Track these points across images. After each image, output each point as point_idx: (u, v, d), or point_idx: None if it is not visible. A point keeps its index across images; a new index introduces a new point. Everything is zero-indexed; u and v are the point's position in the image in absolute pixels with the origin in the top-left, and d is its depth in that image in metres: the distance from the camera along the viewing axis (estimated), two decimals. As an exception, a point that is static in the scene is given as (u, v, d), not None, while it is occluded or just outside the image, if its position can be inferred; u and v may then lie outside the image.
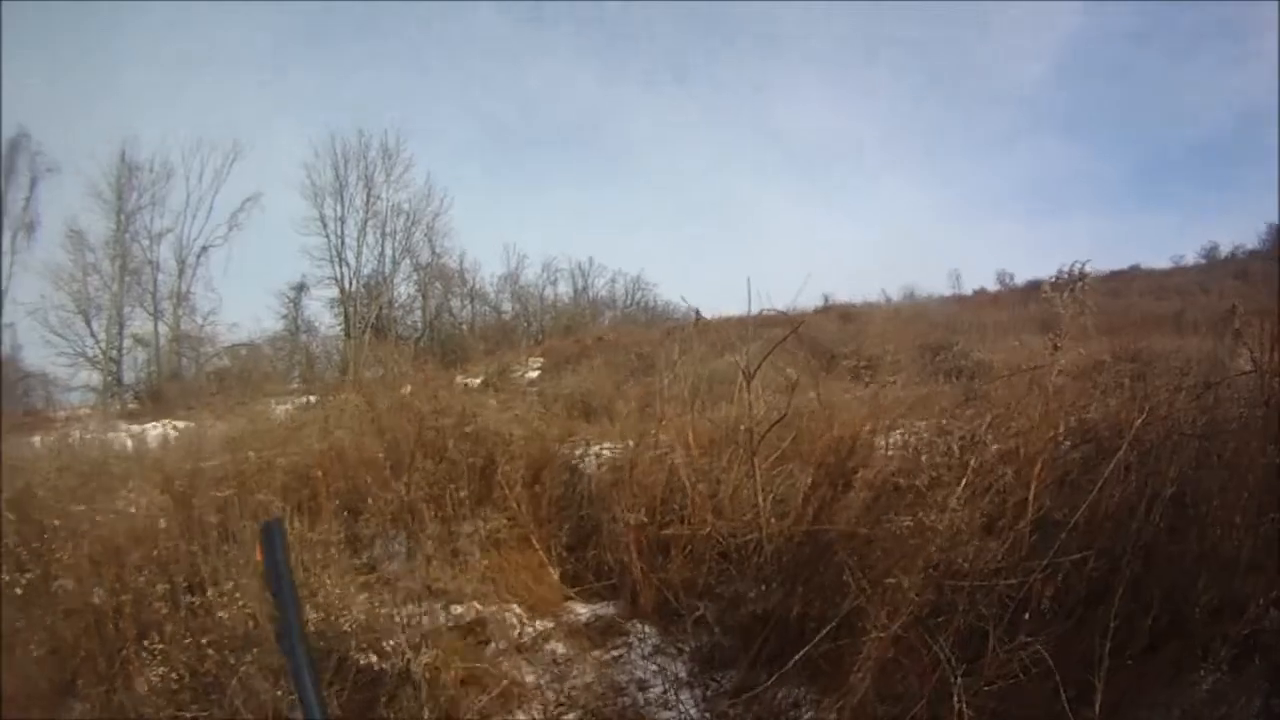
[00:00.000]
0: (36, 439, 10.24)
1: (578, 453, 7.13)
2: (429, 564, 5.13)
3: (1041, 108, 53.34)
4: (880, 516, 4.54)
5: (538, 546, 5.64)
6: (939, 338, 21.43)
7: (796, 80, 55.84)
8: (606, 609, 5.30)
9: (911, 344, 20.18)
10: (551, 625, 5.13)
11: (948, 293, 37.71)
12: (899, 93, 56.77)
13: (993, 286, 38.47)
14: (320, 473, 6.13)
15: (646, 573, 5.20)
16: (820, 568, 4.76)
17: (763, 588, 5.00)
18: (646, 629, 5.00)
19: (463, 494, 5.74)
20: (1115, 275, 31.82)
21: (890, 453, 5.70)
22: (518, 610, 5.17)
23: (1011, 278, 38.58)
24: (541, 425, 7.53)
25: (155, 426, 14.24)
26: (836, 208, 55.67)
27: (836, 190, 57.25)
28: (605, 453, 7.56)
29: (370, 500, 5.76)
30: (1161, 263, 35.20)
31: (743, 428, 5.39)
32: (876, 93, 55.60)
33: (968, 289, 38.87)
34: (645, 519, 5.50)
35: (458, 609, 5.04)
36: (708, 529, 5.26)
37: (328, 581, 4.54)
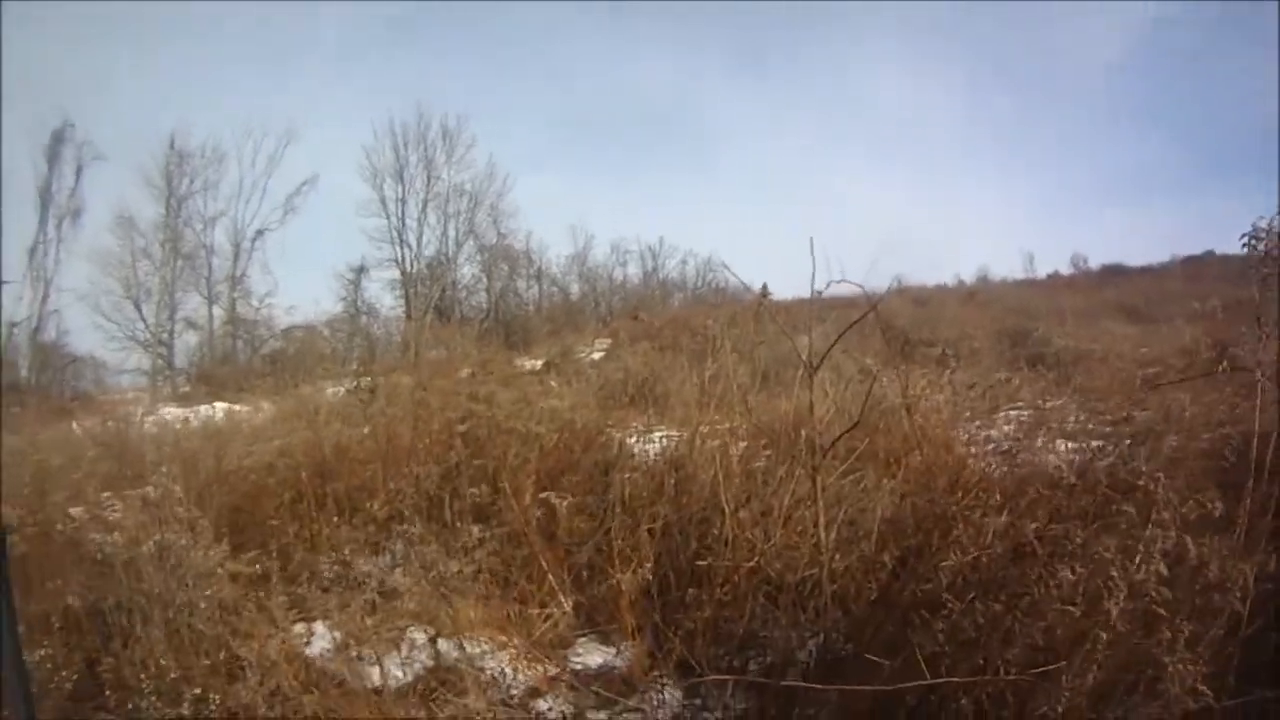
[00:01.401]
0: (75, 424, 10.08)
1: (615, 451, 6.14)
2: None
3: (1115, 94, 51.03)
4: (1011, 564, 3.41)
5: (547, 569, 4.60)
6: (1016, 323, 20.39)
7: (873, 66, 54.26)
8: (623, 655, 4.24)
9: (989, 330, 18.88)
10: (551, 673, 4.10)
11: (1020, 275, 36.54)
12: (974, 79, 55.47)
13: (1066, 270, 37.38)
14: (304, 475, 5.29)
15: (670, 612, 4.13)
16: (906, 619, 3.66)
17: (820, 639, 3.94)
18: (666, 691, 3.92)
19: (457, 503, 4.81)
20: (1191, 260, 31.01)
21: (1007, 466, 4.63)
22: (506, 655, 4.15)
23: (1085, 261, 37.59)
24: (572, 416, 6.51)
25: (204, 409, 13.87)
26: (910, 192, 53.48)
27: (911, 175, 55.59)
28: (650, 448, 6.65)
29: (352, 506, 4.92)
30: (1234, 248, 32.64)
31: (803, 433, 4.30)
32: (952, 79, 54.08)
33: (1041, 272, 37.54)
34: (679, 540, 4.48)
35: (420, 647, 4.10)
36: (754, 560, 4.17)
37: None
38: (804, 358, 4.24)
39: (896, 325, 17.99)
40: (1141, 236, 59.04)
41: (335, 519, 4.96)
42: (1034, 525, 3.46)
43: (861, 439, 4.82)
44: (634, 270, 38.75)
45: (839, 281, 4.21)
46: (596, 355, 23.18)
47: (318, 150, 47.04)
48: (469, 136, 32.88)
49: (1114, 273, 34.45)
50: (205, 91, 45.20)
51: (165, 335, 28.87)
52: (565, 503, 4.89)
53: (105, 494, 6.03)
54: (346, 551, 4.85)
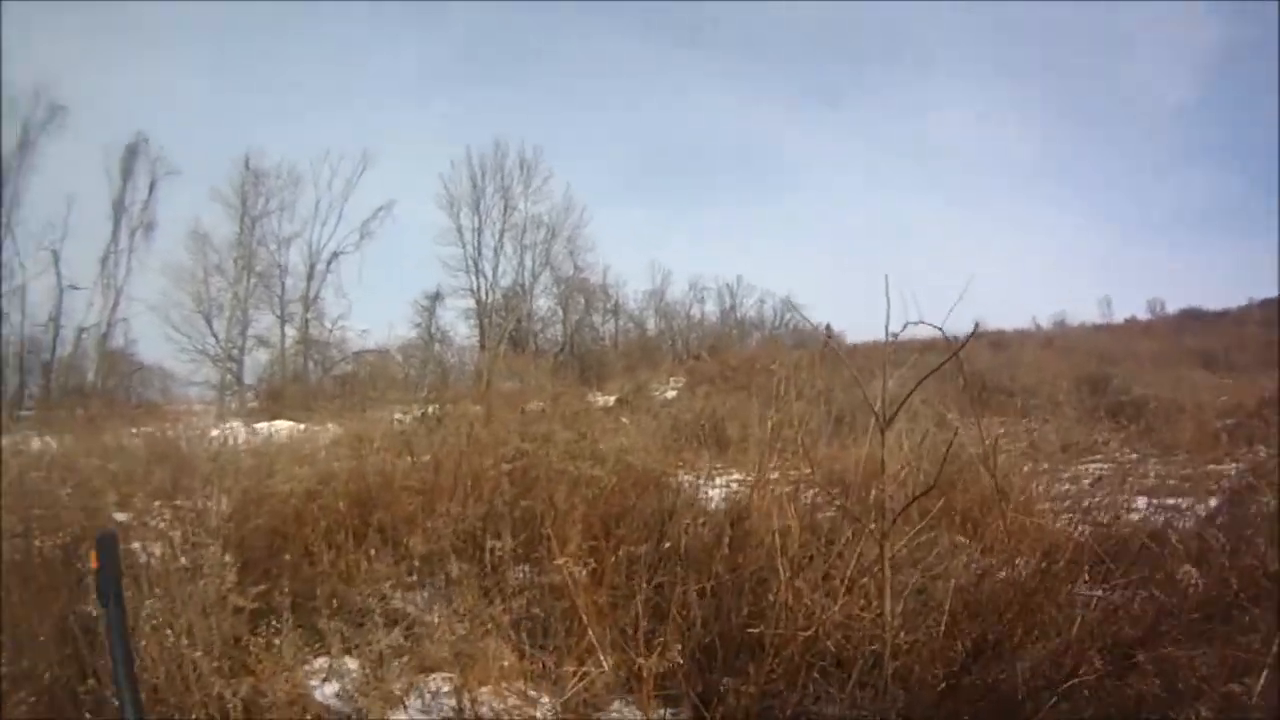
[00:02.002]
0: (134, 430, 10.19)
1: (674, 498, 5.81)
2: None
3: (1188, 134, 51.79)
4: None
5: (588, 623, 4.24)
6: (1094, 370, 19.63)
7: (948, 107, 55.23)
8: (665, 724, 3.85)
9: (1068, 377, 18.01)
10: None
11: (1098, 319, 36.44)
12: (1048, 121, 56.49)
13: (1143, 314, 37.50)
14: (343, 504, 5.10)
15: (715, 682, 3.75)
16: (976, 712, 3.23)
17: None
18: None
19: (498, 546, 4.53)
20: (1268, 303, 29.67)
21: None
22: (536, 714, 3.81)
23: (1163, 305, 37.48)
24: (632, 459, 6.19)
25: (268, 427, 13.97)
26: (986, 232, 52.96)
27: (986, 215, 55.34)
28: (714, 493, 6.34)
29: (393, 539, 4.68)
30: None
31: (873, 493, 3.91)
32: (1028, 118, 53.52)
33: (1118, 316, 37.64)
34: (732, 602, 4.12)
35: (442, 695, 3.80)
36: (811, 630, 3.78)
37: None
38: (875, 408, 3.85)
39: (974, 371, 17.28)
40: (1217, 278, 57.02)
41: (372, 551, 4.72)
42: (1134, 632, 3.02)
43: (936, 496, 4.41)
44: (711, 308, 38.58)
45: (916, 323, 3.83)
46: (670, 394, 22.90)
47: (394, 177, 48.16)
48: (546, 168, 33.81)
49: (1191, 317, 34.06)
50: (282, 114, 47.37)
51: (235, 351, 29.70)
52: (614, 556, 4.55)
53: (156, 503, 6.01)
54: (384, 587, 4.63)
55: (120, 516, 5.93)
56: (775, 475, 5.37)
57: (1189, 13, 43.76)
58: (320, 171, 31.18)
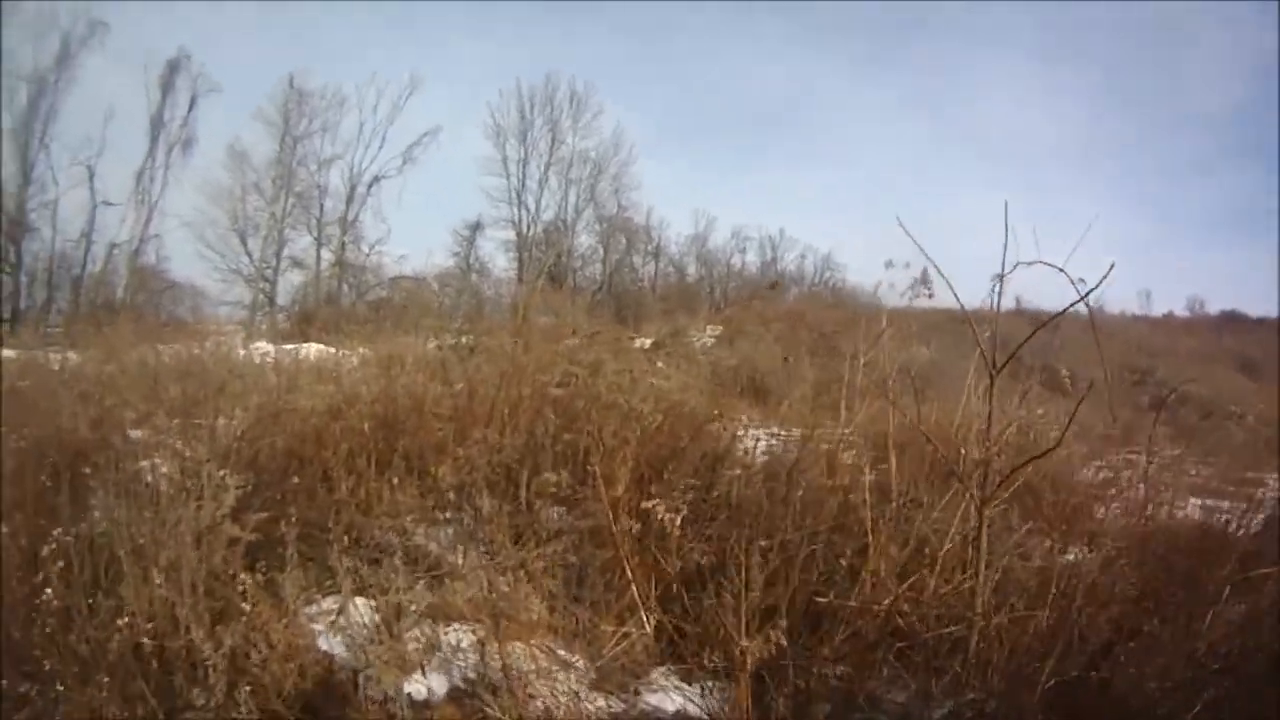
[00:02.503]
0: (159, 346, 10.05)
1: (725, 443, 5.36)
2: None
3: (1240, 134, 48.60)
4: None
5: (631, 577, 3.78)
6: (1136, 361, 19.00)
7: (997, 80, 54.02)
8: (709, 700, 3.38)
9: (1110, 363, 17.26)
10: (616, 709, 3.29)
11: (1136, 311, 35.62)
12: (1098, 105, 54.18)
13: (1181, 311, 37.61)
14: (367, 426, 4.65)
15: (776, 656, 3.26)
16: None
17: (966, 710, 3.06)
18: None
19: (536, 481, 4.07)
20: None
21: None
22: (568, 677, 3.35)
23: (1202, 305, 37.45)
24: (682, 397, 5.72)
25: (298, 348, 13.61)
26: (1028, 211, 49.31)
27: (1029, 195, 51.67)
28: (763, 443, 5.91)
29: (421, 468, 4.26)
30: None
31: (974, 456, 3.39)
32: (1077, 102, 52.45)
33: (1157, 310, 37.35)
34: (796, 566, 3.63)
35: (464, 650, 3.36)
36: (889, 602, 3.29)
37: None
38: (988, 356, 3.32)
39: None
40: (1258, 283, 55.17)
41: (396, 480, 4.29)
42: None
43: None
44: (752, 259, 37.72)
45: (1030, 263, 3.32)
46: (708, 341, 22.44)
47: (441, 103, 47.22)
48: (596, 104, 32.52)
49: (1231, 319, 33.17)
50: (331, 34, 45.16)
51: (269, 271, 28.96)
52: (664, 505, 4.01)
53: (175, 421, 5.67)
54: (406, 520, 4.21)
55: (135, 433, 5.67)
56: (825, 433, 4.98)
57: (1246, 12, 41.79)
58: (366, 94, 29.92)
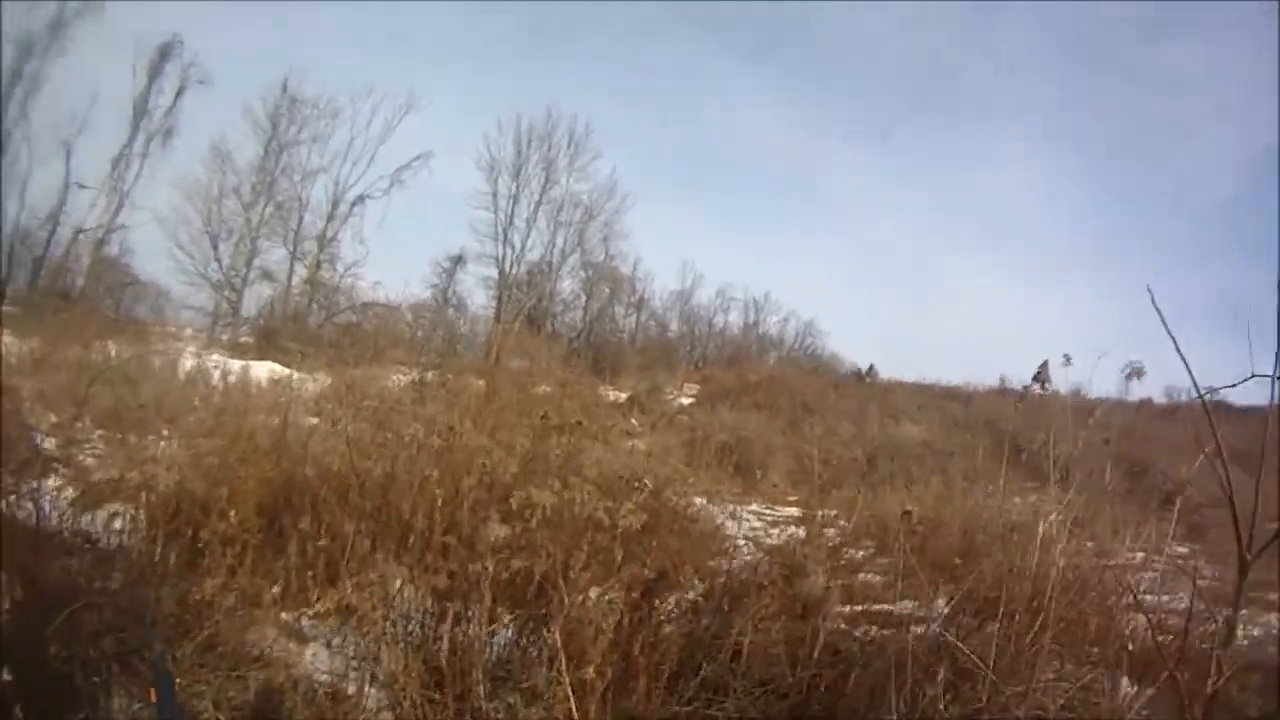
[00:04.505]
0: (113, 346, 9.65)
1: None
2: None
3: (1230, 228, 47.43)
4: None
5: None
6: (1128, 450, 18.73)
7: (996, 160, 52.12)
8: None
9: (1104, 453, 16.82)
10: None
11: (1112, 395, 35.01)
12: (1092, 191, 51.59)
13: (1158, 398, 36.60)
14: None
15: None
16: None
17: None
18: None
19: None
20: None
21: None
22: None
23: (1180, 394, 36.05)
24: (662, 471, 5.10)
25: (253, 366, 12.91)
26: (1012, 291, 50.71)
27: (1019, 276, 52.92)
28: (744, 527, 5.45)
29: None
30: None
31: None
32: (1077, 187, 51.85)
33: (1132, 396, 36.36)
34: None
35: None
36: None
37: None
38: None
39: (1000, 426, 16.09)
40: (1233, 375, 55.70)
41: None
42: None
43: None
44: (735, 319, 37.38)
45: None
46: (685, 400, 22.00)
47: (435, 128, 45.64)
48: (595, 147, 31.79)
49: (1216, 409, 33.09)
50: (330, 41, 43.70)
51: (237, 280, 27.78)
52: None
53: (99, 431, 5.49)
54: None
55: (48, 444, 5.06)
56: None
57: (1246, 108, 43.20)
58: (360, 108, 28.93)
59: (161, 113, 27.04)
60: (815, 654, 2.89)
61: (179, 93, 27.21)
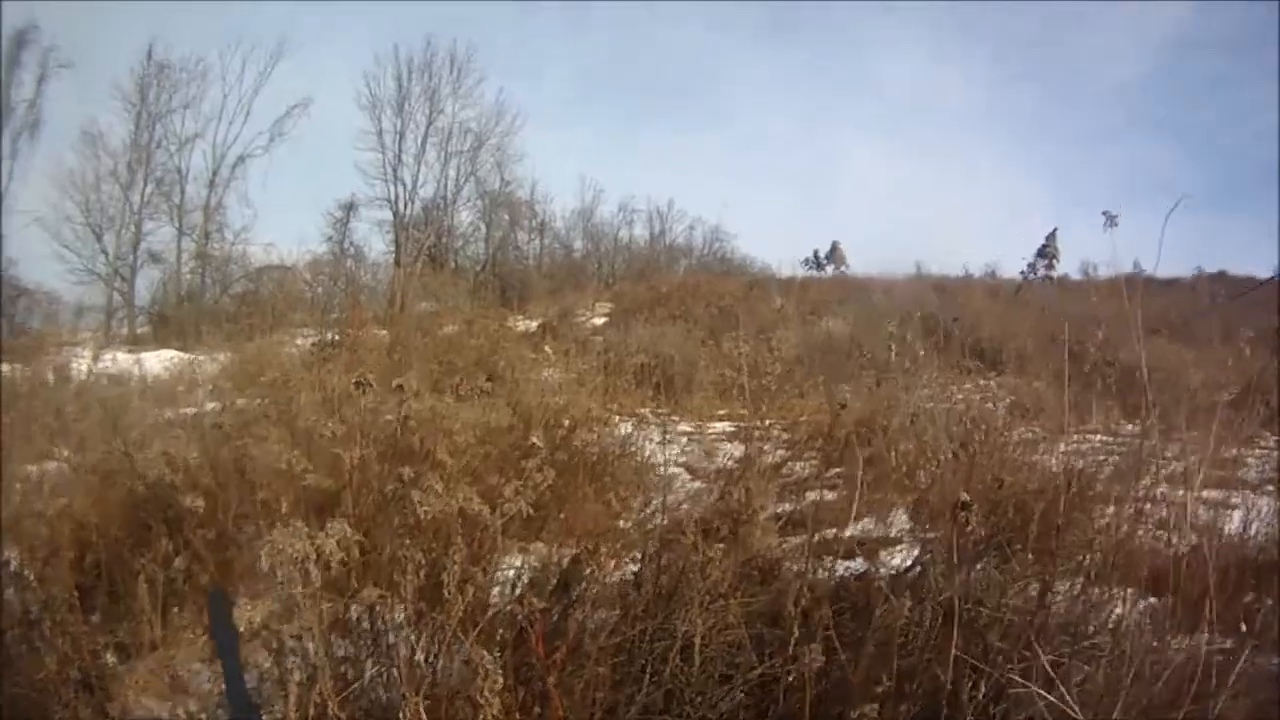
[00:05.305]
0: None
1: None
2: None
3: (1134, 109, 50.08)
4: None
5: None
6: (1058, 328, 18.95)
7: (896, 46, 53.96)
8: None
9: (1035, 333, 17.10)
10: None
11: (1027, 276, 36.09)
12: (996, 72, 53.83)
13: (1075, 275, 38.32)
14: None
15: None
16: None
17: None
18: None
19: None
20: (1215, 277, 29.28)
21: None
22: None
23: (1096, 268, 38.03)
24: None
25: (144, 357, 12.12)
26: (920, 176, 50.62)
27: (922, 160, 53.45)
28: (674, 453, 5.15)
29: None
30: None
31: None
32: (973, 69, 53.31)
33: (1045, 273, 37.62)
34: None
35: None
36: None
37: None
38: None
39: (924, 313, 16.03)
40: (1151, 248, 58.42)
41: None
42: None
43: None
44: (640, 232, 36.76)
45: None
46: (598, 320, 21.59)
47: (312, 71, 43.15)
48: (478, 70, 30.39)
49: (1138, 281, 34.18)
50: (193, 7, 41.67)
51: (126, 269, 26.20)
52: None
53: None
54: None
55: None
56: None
57: None
58: (230, 61, 27.26)
59: (25, 106, 24.93)
60: (793, 630, 2.41)
61: (40, 81, 25.02)
